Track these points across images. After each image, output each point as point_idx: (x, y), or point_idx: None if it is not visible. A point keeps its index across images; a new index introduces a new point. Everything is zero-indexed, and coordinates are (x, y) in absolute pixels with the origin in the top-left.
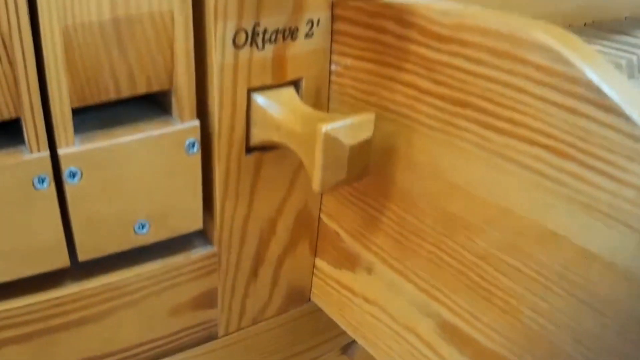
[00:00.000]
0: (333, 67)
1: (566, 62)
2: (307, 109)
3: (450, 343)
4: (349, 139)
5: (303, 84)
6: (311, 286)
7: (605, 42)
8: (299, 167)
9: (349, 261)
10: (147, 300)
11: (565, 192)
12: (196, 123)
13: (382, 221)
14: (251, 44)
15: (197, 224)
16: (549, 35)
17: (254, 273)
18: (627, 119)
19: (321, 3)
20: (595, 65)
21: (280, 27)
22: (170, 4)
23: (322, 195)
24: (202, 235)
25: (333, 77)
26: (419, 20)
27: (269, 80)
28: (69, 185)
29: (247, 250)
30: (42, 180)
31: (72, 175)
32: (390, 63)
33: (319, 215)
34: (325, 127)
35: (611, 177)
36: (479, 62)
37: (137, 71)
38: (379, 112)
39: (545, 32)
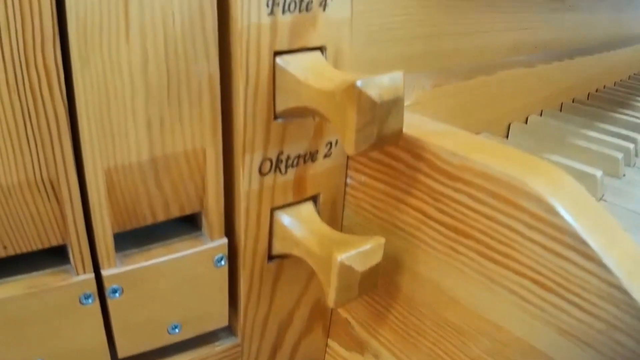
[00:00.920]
0: (349, 181)
1: (556, 214)
2: (325, 229)
3: None
4: (361, 266)
5: (321, 197)
6: None
7: (605, 126)
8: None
9: (358, 346)
10: None
11: (546, 317)
12: (224, 241)
13: (388, 317)
14: (275, 170)
15: (223, 322)
16: (543, 186)
17: (273, 357)
18: (605, 268)
19: None
20: (582, 218)
21: (302, 153)
22: (202, 142)
23: None
24: (226, 328)
25: (348, 189)
26: (429, 156)
27: (290, 199)
28: (111, 300)
29: (267, 339)
30: (87, 297)
31: (114, 291)
32: (401, 187)
33: None
34: (340, 257)
35: (586, 311)
36: (480, 201)
37: (172, 200)
38: (388, 227)
39: (539, 184)
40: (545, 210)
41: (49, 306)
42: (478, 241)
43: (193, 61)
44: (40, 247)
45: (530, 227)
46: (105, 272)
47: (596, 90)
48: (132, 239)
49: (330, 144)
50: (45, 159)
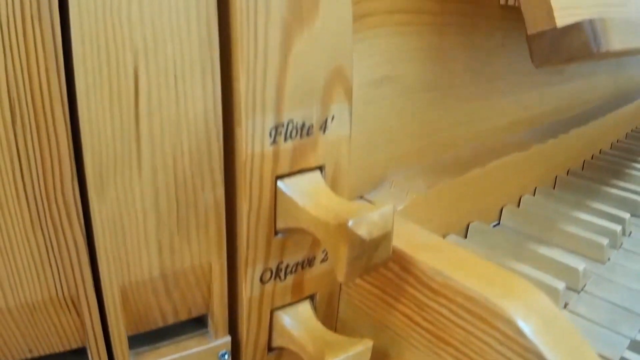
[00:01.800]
0: None
1: (524, 336)
2: (319, 329)
3: None
4: None
5: (317, 296)
6: None
7: (595, 205)
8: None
9: None
10: None
11: None
12: (228, 339)
13: None
14: (275, 278)
15: None
16: (516, 310)
17: None
18: None
19: None
20: (550, 340)
21: (300, 260)
22: (208, 257)
23: None
24: None
25: (343, 287)
26: (416, 271)
27: (288, 300)
28: None
29: None
30: None
31: None
32: (390, 292)
33: None
34: None
35: None
36: (459, 316)
37: (180, 306)
38: (378, 325)
39: (513, 308)
40: (515, 332)
41: None
42: (457, 349)
43: (200, 190)
44: (62, 349)
45: (501, 343)
46: None
47: (592, 157)
48: (144, 335)
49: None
50: (67, 279)
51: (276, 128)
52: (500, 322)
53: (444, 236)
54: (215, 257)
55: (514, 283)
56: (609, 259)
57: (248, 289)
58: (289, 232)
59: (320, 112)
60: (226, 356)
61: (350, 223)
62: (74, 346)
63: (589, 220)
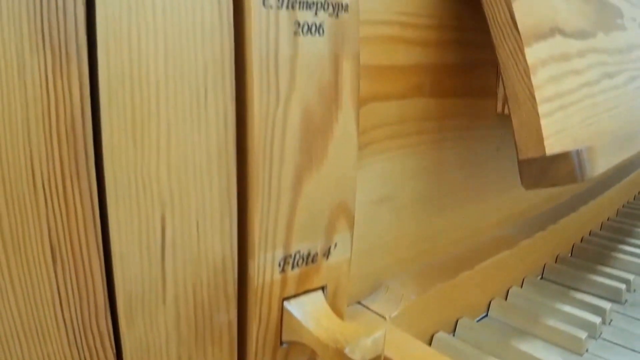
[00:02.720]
0: None
1: None
2: None
3: None
4: None
5: None
6: None
7: (579, 295)
8: None
9: None
10: None
11: None
12: None
13: None
14: None
15: None
16: None
17: None
18: None
19: None
20: None
21: None
22: None
23: None
24: None
25: None
26: None
27: None
28: None
29: None
30: None
31: None
32: None
33: None
34: None
35: None
36: None
37: None
38: None
39: None
40: None
41: None
42: None
43: (216, 313)
44: None
45: None
46: None
47: (581, 240)
48: None
49: None
50: None
51: (285, 259)
52: None
53: (433, 334)
54: None
55: None
56: (587, 351)
57: None
58: (293, 342)
59: (325, 242)
60: None
61: (346, 350)
62: None
63: (570, 312)
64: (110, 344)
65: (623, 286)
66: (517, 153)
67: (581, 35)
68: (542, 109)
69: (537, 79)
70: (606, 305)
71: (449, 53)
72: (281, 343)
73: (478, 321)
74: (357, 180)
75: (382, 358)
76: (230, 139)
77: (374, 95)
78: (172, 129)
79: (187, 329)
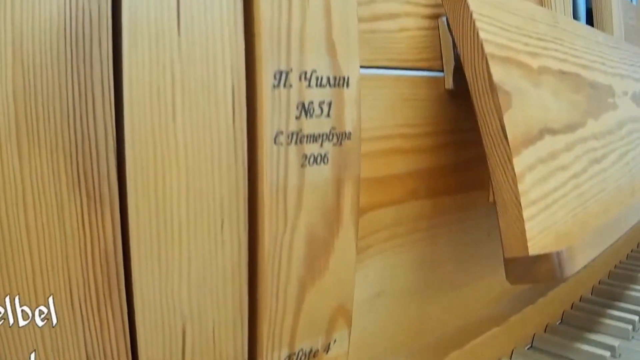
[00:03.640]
0: None
1: None
2: None
3: None
4: None
5: None
6: None
7: None
8: None
9: None
10: None
11: None
12: None
13: None
14: None
15: None
16: None
17: None
18: None
19: None
20: None
21: None
22: None
23: None
24: None
25: None
26: None
27: None
28: None
29: None
30: None
31: None
32: None
33: None
34: None
35: None
36: None
37: None
38: None
39: None
40: None
41: None
42: None
43: None
44: None
45: None
46: None
47: (572, 306)
48: None
49: None
50: None
51: (289, 357)
52: None
53: None
54: None
55: None
56: None
57: None
58: None
59: (325, 339)
60: None
61: None
62: None
63: None
64: None
65: (608, 353)
66: (503, 251)
67: (570, 128)
68: (527, 213)
69: (523, 185)
70: None
71: (445, 155)
72: None
73: None
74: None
75: None
76: (243, 261)
77: (372, 204)
78: (192, 254)
79: None
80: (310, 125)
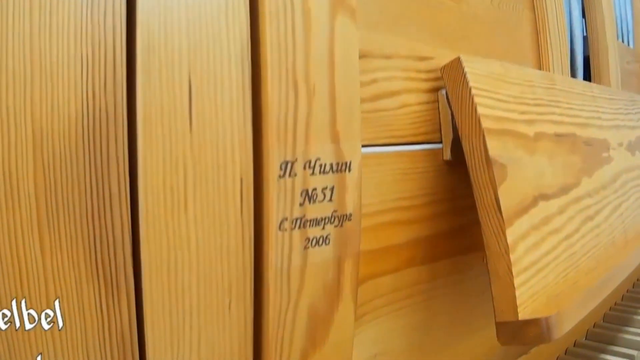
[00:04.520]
0: None
1: None
2: None
3: None
4: None
5: None
6: None
7: None
8: None
9: None
10: None
11: None
12: None
13: None
14: None
15: None
16: None
17: None
18: None
19: None
20: None
21: None
22: None
23: None
24: None
25: None
26: None
27: None
28: None
29: None
30: None
31: None
32: None
33: None
34: None
35: None
36: None
37: None
38: None
39: None
40: None
41: None
42: None
43: None
44: None
45: None
46: None
47: (565, 352)
48: None
49: None
50: None
51: None
52: None
53: None
54: None
55: None
56: None
57: None
58: None
59: None
60: None
61: None
62: None
63: None
64: None
65: None
66: (495, 315)
67: (564, 191)
68: (518, 280)
69: (515, 254)
70: None
71: (442, 222)
72: None
73: None
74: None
75: None
76: (249, 337)
77: (371, 274)
78: (202, 334)
79: None
80: (314, 210)
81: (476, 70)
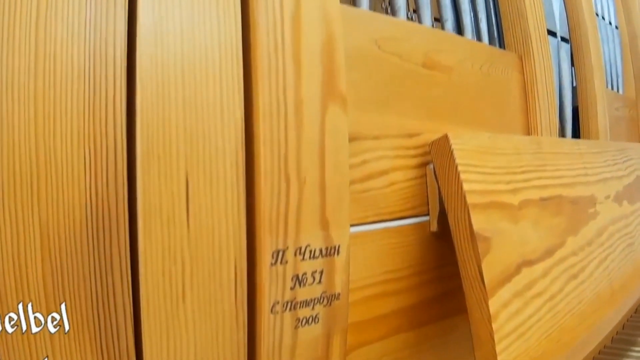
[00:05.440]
0: None
1: None
2: None
3: None
4: None
5: None
6: None
7: None
8: None
9: None
10: None
11: None
12: None
13: None
14: None
15: None
16: None
17: None
18: None
19: None
20: None
21: None
22: None
23: None
24: None
25: None
26: None
27: None
28: None
29: None
30: None
31: None
32: None
33: None
34: None
35: None
36: None
37: None
38: None
39: None
40: None
41: None
42: None
43: None
44: None
45: None
46: None
47: None
48: None
49: None
50: None
51: None
52: None
53: None
54: None
55: None
56: None
57: None
58: None
59: None
60: None
61: None
62: None
63: None
64: None
65: None
66: None
67: (548, 254)
68: (500, 346)
69: (497, 323)
70: None
71: (428, 290)
72: None
73: None
74: None
75: None
76: None
77: (359, 343)
78: None
79: None
80: (304, 293)
81: (463, 146)
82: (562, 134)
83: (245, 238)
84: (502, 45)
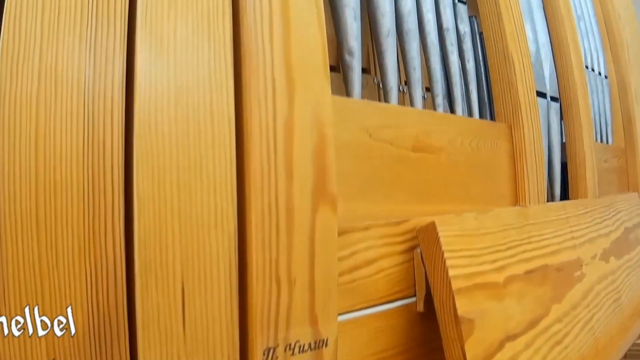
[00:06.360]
0: None
1: None
2: None
3: None
4: None
5: None
6: None
7: None
8: None
9: None
10: None
11: None
12: None
13: None
14: None
15: None
16: None
17: None
18: None
19: None
20: None
21: None
22: None
23: None
24: None
25: None
26: None
27: None
28: None
29: None
30: None
31: None
32: None
33: None
34: None
35: None
36: None
37: None
38: None
39: None
40: None
41: None
42: None
43: None
44: None
45: None
46: None
47: None
48: None
49: None
50: None
51: None
52: None
53: None
54: None
55: None
56: None
57: None
58: None
59: None
60: None
61: None
62: None
63: None
64: None
65: None
66: None
67: (532, 325)
68: None
69: None
70: None
71: None
72: None
73: None
74: None
75: None
76: None
77: None
78: None
79: None
80: None
81: (450, 232)
82: (550, 192)
83: (238, 339)
84: (492, 112)
